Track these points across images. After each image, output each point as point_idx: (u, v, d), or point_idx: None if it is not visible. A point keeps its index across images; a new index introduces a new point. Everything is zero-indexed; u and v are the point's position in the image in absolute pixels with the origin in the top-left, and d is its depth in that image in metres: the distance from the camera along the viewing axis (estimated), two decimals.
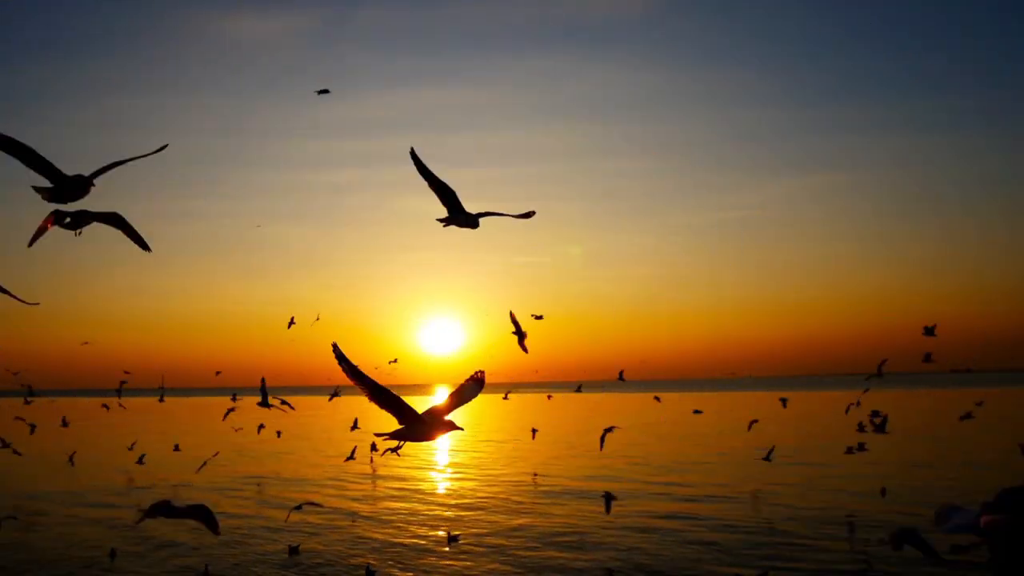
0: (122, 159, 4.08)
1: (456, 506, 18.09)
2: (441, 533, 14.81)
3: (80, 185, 4.05)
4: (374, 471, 23.91)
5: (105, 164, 4.06)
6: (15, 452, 18.08)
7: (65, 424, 22.95)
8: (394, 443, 4.27)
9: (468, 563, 12.75)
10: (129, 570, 12.29)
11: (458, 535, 14.38)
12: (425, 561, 12.91)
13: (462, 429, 4.24)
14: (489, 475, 23.69)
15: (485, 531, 15.07)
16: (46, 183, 4.09)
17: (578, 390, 27.65)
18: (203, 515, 5.12)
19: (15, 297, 4.14)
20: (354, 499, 19.22)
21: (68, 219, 4.26)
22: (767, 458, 17.23)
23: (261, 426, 20.98)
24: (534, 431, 23.95)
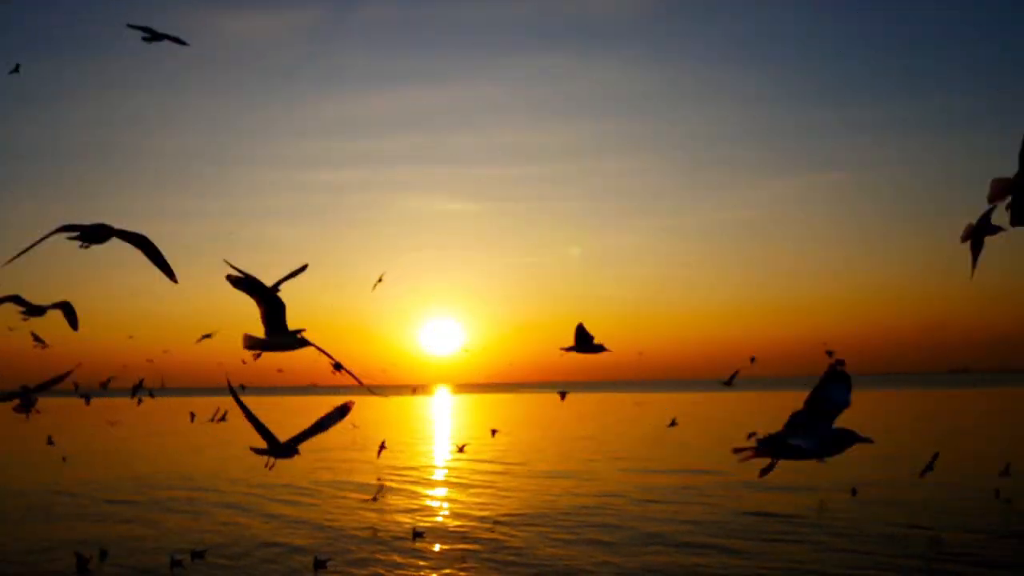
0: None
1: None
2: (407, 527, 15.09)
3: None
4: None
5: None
6: None
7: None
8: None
9: (437, 559, 13.02)
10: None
11: (423, 531, 14.57)
12: (391, 556, 13.16)
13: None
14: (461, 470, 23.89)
15: (458, 527, 15.33)
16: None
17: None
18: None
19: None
20: (322, 496, 19.39)
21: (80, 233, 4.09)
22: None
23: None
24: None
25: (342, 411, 4.64)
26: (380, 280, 13.78)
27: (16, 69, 11.92)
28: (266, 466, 4.94)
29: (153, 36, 7.01)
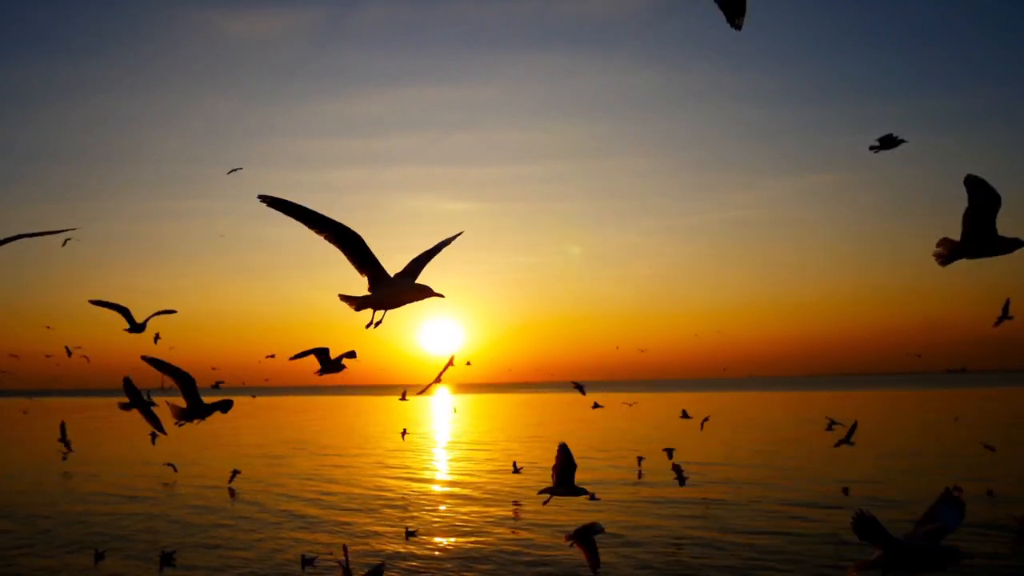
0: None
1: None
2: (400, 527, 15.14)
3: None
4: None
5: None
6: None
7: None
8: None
9: (427, 557, 13.12)
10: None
11: (415, 529, 14.65)
12: (384, 553, 13.27)
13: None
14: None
15: (445, 525, 15.42)
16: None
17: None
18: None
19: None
20: (310, 495, 19.44)
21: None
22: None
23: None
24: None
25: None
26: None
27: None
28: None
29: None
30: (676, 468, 15.11)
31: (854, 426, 12.93)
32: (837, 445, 13.71)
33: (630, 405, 42.92)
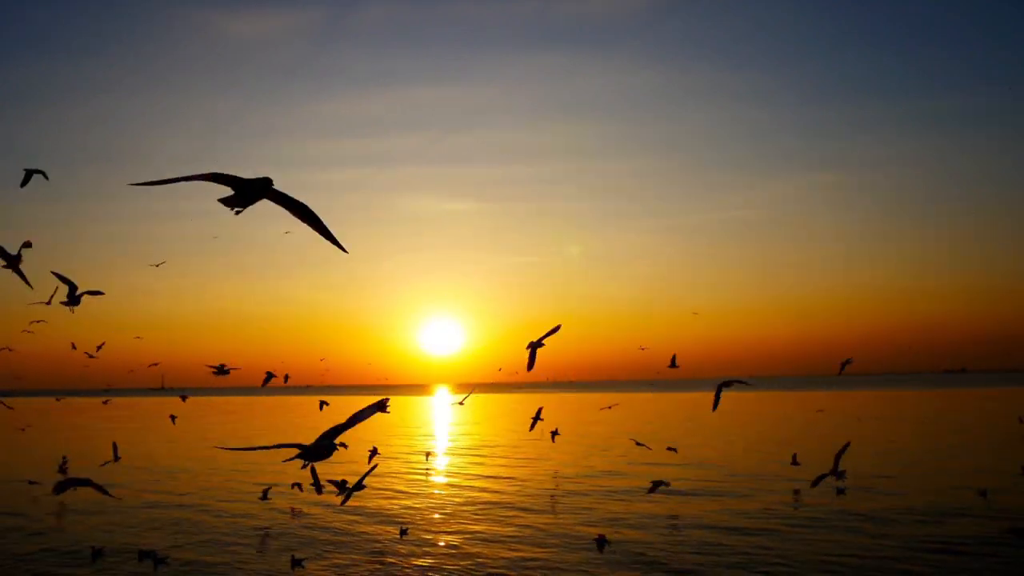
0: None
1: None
2: (393, 527, 15.18)
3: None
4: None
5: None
6: None
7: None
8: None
9: (423, 557, 13.07)
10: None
11: (408, 527, 14.62)
12: (378, 553, 13.25)
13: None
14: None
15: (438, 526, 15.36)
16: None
17: None
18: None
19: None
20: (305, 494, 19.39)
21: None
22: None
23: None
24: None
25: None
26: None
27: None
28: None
29: None
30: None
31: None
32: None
33: (609, 407, 42.45)
